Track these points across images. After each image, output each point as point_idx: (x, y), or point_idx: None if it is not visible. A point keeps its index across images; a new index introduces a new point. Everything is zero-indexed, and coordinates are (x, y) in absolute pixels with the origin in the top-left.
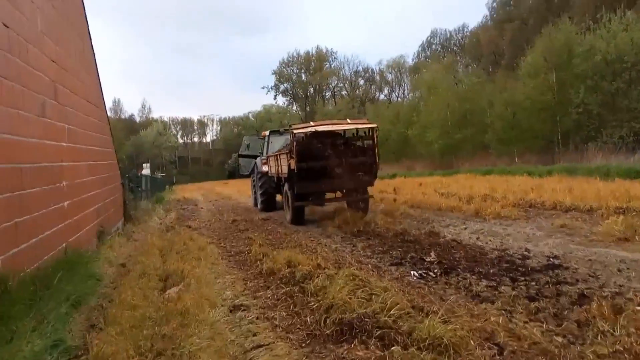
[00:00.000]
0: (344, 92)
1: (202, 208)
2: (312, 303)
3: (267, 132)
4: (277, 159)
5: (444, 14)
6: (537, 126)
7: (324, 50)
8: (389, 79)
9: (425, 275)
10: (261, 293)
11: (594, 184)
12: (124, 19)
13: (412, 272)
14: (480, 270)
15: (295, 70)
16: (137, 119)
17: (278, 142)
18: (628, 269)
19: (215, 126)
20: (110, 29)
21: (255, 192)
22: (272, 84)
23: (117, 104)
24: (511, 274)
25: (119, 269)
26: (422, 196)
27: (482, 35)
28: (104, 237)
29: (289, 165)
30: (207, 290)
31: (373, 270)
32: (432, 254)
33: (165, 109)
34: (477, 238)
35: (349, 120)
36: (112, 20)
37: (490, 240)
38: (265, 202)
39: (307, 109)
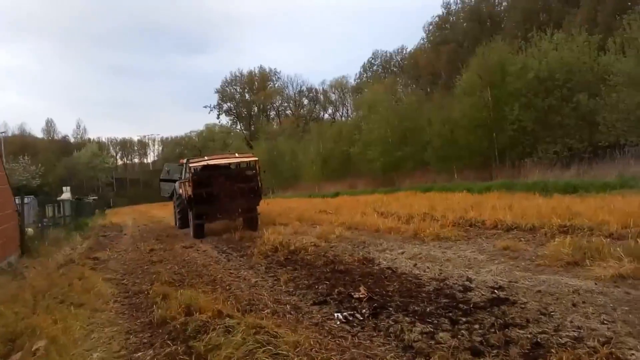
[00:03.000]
0: (288, 112)
1: (125, 234)
2: None
3: (184, 160)
4: (184, 185)
5: (384, 36)
6: (475, 143)
7: (267, 70)
8: (333, 98)
9: (351, 318)
10: (140, 354)
11: (534, 200)
12: (61, 39)
13: (336, 315)
14: (416, 308)
15: (238, 90)
16: (72, 140)
17: None
18: (583, 302)
19: (156, 146)
20: (46, 48)
21: (175, 212)
22: (215, 103)
23: (50, 124)
24: (451, 314)
25: None
26: (361, 216)
27: (420, 57)
28: None
29: (188, 192)
30: (65, 356)
31: (291, 313)
32: (362, 289)
33: (104, 130)
34: (415, 265)
35: (236, 155)
36: (47, 39)
37: (428, 268)
38: (181, 220)
39: (252, 128)
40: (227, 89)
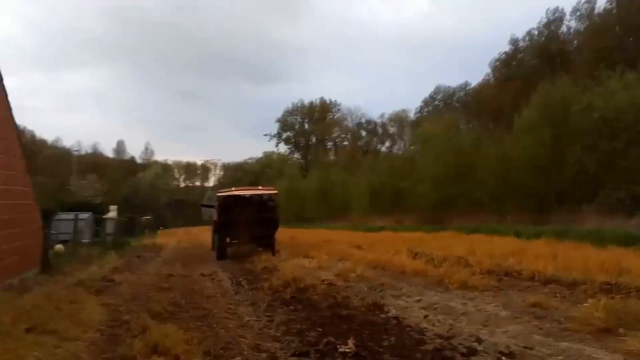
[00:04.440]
0: (345, 143)
1: (159, 256)
2: None
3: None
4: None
5: (448, 71)
6: (531, 184)
7: (328, 101)
8: (391, 131)
9: None
10: None
11: (584, 250)
12: (134, 63)
13: None
14: None
15: (298, 119)
16: (139, 161)
17: None
18: None
19: (218, 170)
20: (121, 71)
21: (212, 237)
22: (275, 132)
23: (120, 145)
24: None
25: None
26: (391, 255)
27: (483, 93)
28: None
29: (214, 218)
30: None
31: None
32: (350, 341)
33: (170, 152)
34: (425, 317)
35: (259, 187)
36: (122, 63)
37: (439, 321)
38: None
39: (309, 157)
40: (287, 118)
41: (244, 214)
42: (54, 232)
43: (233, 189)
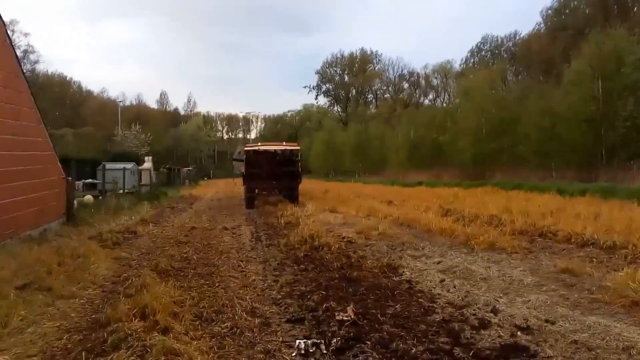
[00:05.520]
0: (386, 95)
1: (191, 208)
2: None
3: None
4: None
5: (496, 20)
6: (579, 139)
7: (369, 52)
8: (435, 84)
9: (312, 349)
10: None
11: (630, 211)
12: (175, 15)
13: (296, 342)
14: (400, 346)
15: (338, 71)
16: (182, 112)
17: None
18: None
19: (259, 123)
20: (162, 23)
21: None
22: (315, 84)
23: (163, 96)
24: None
25: None
26: (421, 212)
27: (533, 43)
28: None
29: (242, 170)
30: None
31: (251, 332)
32: (350, 309)
33: (212, 105)
34: (441, 281)
35: (284, 143)
36: (163, 14)
37: (454, 287)
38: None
39: (348, 110)
40: (327, 70)
41: (268, 167)
42: (98, 181)
43: (259, 144)
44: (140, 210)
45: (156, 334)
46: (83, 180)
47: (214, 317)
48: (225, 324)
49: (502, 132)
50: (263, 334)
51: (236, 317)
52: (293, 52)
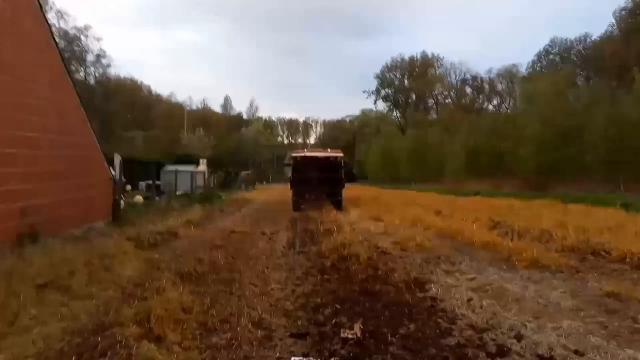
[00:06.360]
0: (448, 101)
1: (239, 211)
2: None
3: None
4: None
5: (565, 22)
6: None
7: (430, 56)
8: (499, 88)
9: None
10: None
11: None
12: (239, 20)
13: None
14: None
15: (397, 76)
16: (245, 117)
17: None
18: None
19: (318, 128)
20: (227, 28)
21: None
22: (374, 88)
23: (227, 101)
24: None
25: None
26: (467, 224)
27: (606, 46)
28: (38, 240)
29: (289, 175)
30: None
31: (250, 345)
32: (357, 326)
33: (274, 109)
34: (469, 300)
35: (329, 150)
36: (225, 20)
37: (481, 308)
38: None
39: (407, 115)
40: (386, 74)
41: (313, 173)
42: (159, 183)
43: (305, 150)
44: (190, 213)
45: (146, 342)
46: (146, 182)
47: (217, 327)
48: (226, 335)
49: (568, 141)
50: (262, 348)
51: (240, 328)
52: (354, 56)
